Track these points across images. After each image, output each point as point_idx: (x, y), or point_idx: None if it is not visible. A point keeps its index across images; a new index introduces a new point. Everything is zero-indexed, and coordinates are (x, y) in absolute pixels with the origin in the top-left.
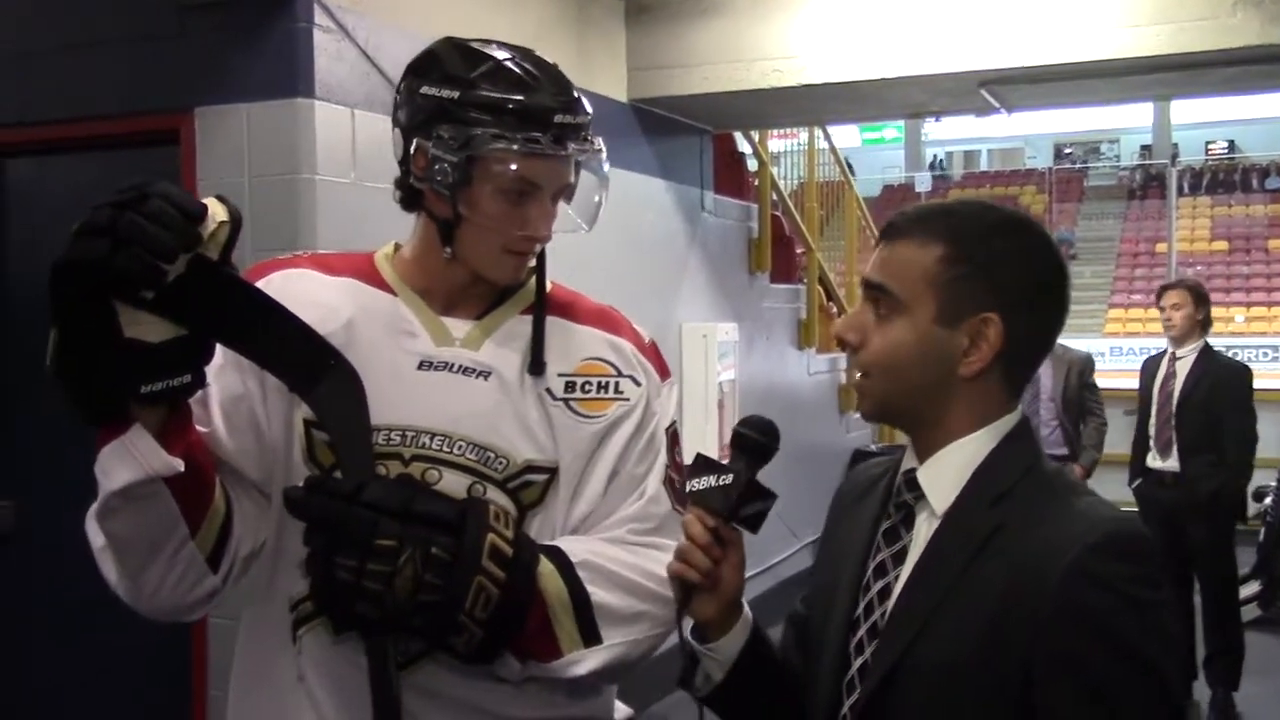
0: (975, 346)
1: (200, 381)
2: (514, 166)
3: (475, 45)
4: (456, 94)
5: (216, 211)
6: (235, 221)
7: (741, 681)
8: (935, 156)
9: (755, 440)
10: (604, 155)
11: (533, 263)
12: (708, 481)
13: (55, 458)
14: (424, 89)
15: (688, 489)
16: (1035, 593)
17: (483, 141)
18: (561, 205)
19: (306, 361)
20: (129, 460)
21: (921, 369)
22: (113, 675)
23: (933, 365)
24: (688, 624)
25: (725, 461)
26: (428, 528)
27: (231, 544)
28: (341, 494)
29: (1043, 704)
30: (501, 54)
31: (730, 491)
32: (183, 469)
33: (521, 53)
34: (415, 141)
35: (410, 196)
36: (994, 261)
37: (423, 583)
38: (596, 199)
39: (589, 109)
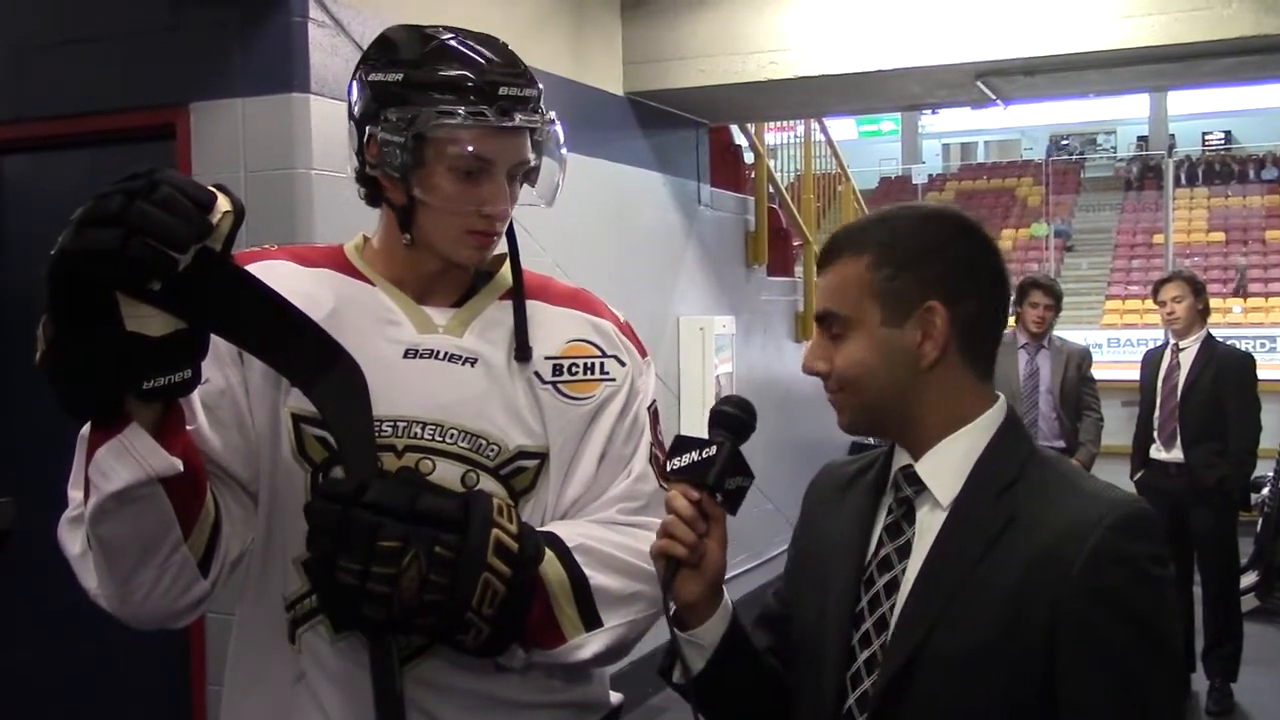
0: (927, 337)
1: (198, 377)
2: (462, 142)
3: (424, 28)
4: (400, 76)
5: (220, 202)
6: (238, 212)
7: (721, 671)
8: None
9: (735, 416)
10: (557, 127)
11: (503, 247)
12: (690, 458)
13: (55, 454)
14: (372, 76)
15: (669, 468)
16: (1057, 574)
17: (427, 119)
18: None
19: (310, 356)
20: (128, 460)
21: (885, 372)
22: (112, 670)
23: (894, 366)
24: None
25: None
26: (432, 526)
27: (221, 547)
28: (343, 496)
29: (1064, 681)
30: (448, 35)
31: (714, 461)
32: (182, 469)
33: (470, 33)
34: (366, 130)
35: (371, 190)
36: (920, 253)
37: (428, 582)
38: (555, 177)
39: (539, 84)
